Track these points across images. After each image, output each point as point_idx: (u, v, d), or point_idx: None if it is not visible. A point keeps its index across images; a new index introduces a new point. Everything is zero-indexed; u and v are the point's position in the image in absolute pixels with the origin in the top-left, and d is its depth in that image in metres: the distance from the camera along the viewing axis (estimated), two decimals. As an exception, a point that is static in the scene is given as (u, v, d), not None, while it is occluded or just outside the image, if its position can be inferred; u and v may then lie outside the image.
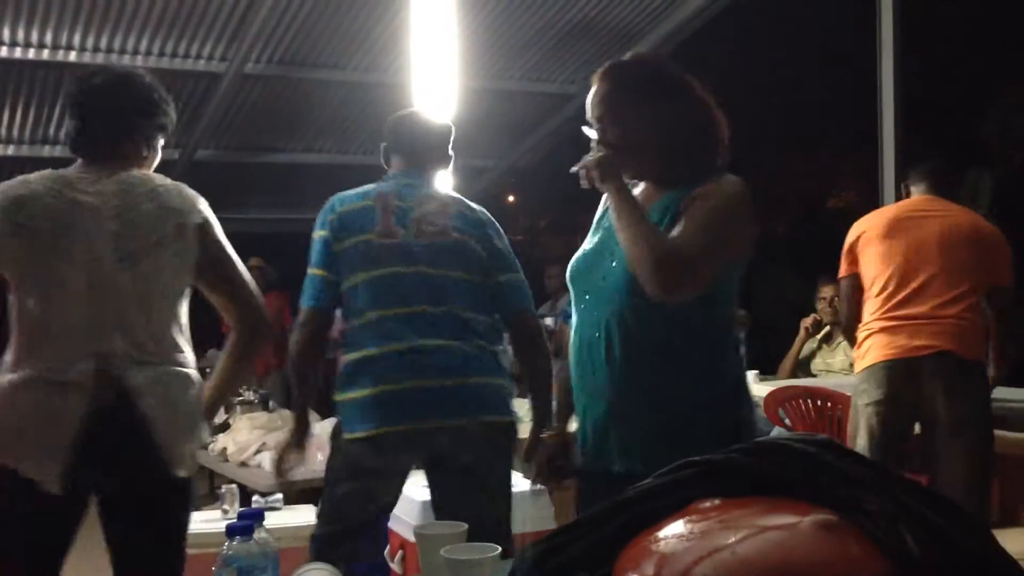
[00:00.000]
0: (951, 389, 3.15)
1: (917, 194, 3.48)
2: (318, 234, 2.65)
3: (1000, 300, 3.31)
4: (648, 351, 1.89)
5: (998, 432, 3.33)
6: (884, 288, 3.28)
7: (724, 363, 1.94)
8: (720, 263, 1.88)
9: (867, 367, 3.29)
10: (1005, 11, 6.56)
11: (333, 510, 2.54)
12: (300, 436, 2.75)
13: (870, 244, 3.37)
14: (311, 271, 2.64)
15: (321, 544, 2.49)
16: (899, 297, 3.24)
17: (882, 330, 3.25)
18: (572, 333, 2.01)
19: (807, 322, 5.20)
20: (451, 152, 2.81)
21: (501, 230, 2.71)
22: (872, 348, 3.27)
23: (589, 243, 2.04)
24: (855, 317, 3.41)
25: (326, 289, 2.61)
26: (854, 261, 3.43)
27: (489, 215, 2.72)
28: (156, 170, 2.38)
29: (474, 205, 2.72)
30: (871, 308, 3.32)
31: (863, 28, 5.13)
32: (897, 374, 3.20)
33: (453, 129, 2.84)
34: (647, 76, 2.00)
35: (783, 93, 7.59)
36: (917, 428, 3.31)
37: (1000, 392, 3.52)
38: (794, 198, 9.36)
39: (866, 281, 3.38)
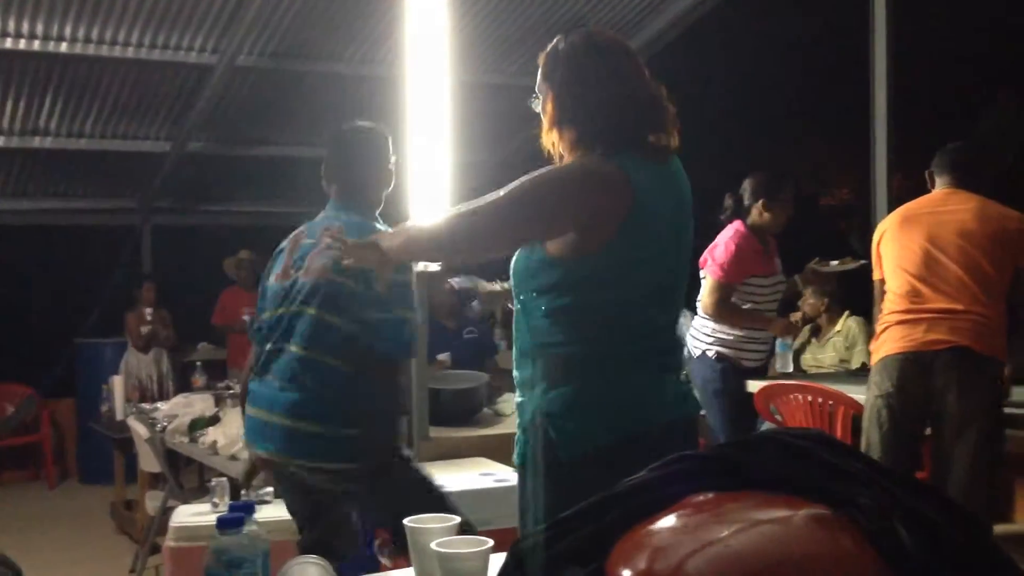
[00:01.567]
0: (963, 385, 3.14)
1: (941, 186, 3.43)
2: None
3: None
4: (523, 346, 1.94)
5: (1018, 432, 3.32)
6: (903, 282, 3.28)
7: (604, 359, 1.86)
8: (516, 230, 1.88)
9: (880, 359, 3.29)
10: (999, 5, 6.58)
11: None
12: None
13: (891, 241, 3.37)
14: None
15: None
16: (917, 291, 3.23)
17: (899, 323, 3.25)
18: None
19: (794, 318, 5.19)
20: (389, 170, 2.80)
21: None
22: (887, 340, 3.27)
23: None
24: None
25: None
26: (879, 262, 3.44)
27: None
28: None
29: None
30: (890, 301, 3.32)
31: (857, 25, 5.14)
32: (909, 367, 3.20)
33: (388, 142, 2.81)
34: (557, 53, 2.00)
35: (777, 89, 7.59)
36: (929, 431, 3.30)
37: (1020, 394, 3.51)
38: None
39: (887, 276, 3.37)
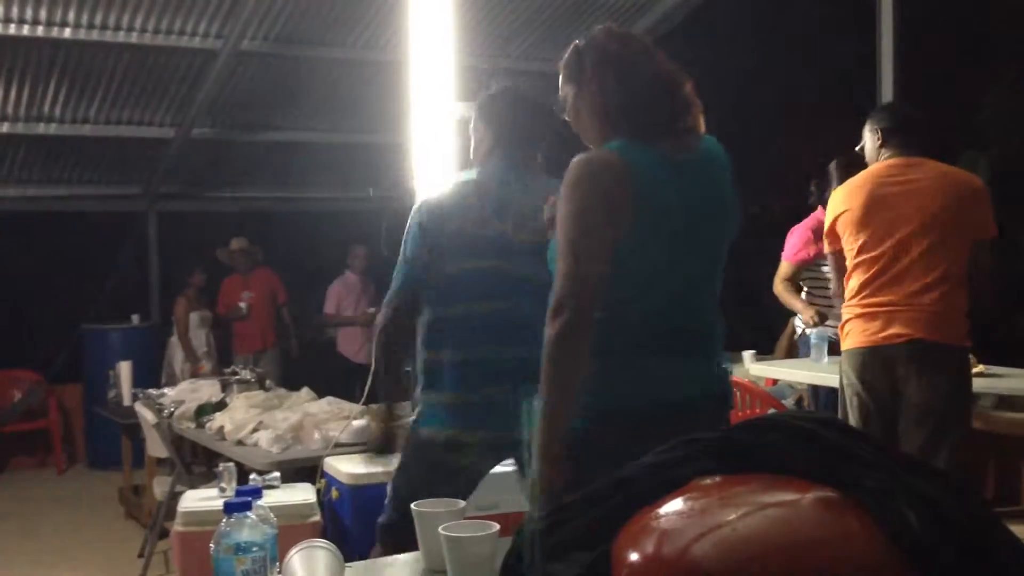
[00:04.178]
0: (925, 376, 3.11)
1: (890, 154, 3.29)
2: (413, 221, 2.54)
3: (983, 254, 3.21)
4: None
5: (999, 413, 3.32)
6: (864, 272, 3.21)
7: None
8: (592, 251, 1.82)
9: (845, 351, 3.28)
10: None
11: (402, 500, 2.41)
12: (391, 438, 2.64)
13: (855, 224, 3.26)
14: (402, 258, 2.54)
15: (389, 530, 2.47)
16: (877, 283, 3.17)
17: (860, 316, 3.20)
18: None
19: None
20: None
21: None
22: (851, 333, 3.25)
23: None
24: (843, 292, 3.37)
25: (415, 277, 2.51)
26: (836, 239, 3.35)
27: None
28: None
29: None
30: (852, 289, 3.26)
31: (864, 8, 5.11)
32: (871, 361, 3.17)
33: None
34: (578, 53, 2.00)
35: (782, 73, 7.56)
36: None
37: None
38: (791, 178, 9.36)
39: (848, 262, 3.31)
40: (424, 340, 2.50)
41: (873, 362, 3.17)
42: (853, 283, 3.26)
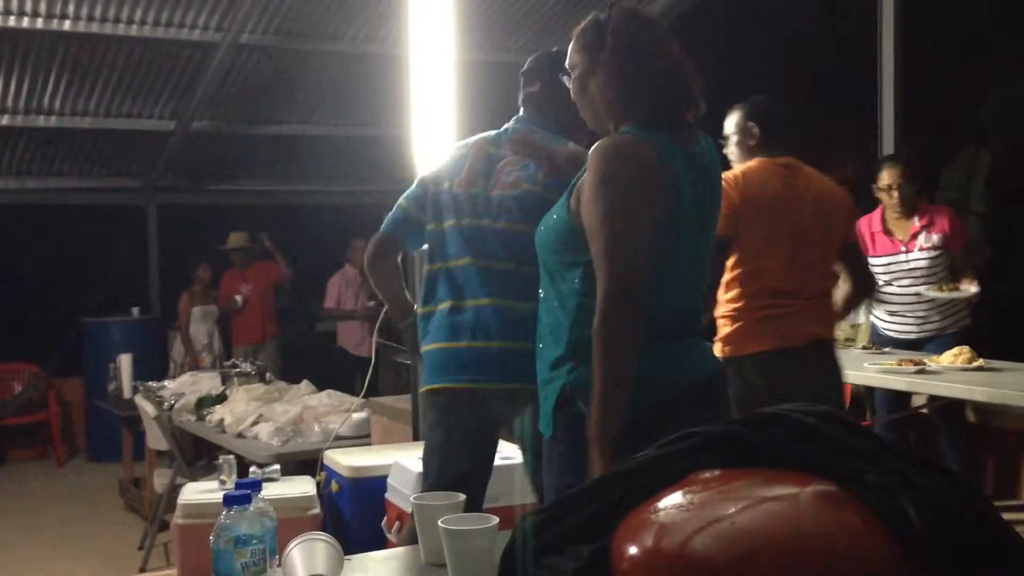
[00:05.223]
0: (824, 375, 3.10)
1: (776, 152, 3.11)
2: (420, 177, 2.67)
3: (855, 252, 3.25)
4: (551, 319, 2.01)
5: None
6: (766, 276, 3.05)
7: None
8: (639, 236, 1.80)
9: (749, 355, 3.07)
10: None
11: (434, 464, 2.49)
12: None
13: (756, 226, 3.06)
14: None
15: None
16: (781, 289, 3.03)
17: (763, 319, 3.05)
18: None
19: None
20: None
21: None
22: (755, 336, 3.06)
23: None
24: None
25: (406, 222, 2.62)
26: (734, 225, 3.05)
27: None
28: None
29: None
30: (754, 294, 3.08)
31: (865, 3, 5.10)
32: (776, 363, 3.03)
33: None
34: (600, 26, 1.96)
35: (783, 65, 7.54)
36: None
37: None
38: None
39: (746, 262, 3.10)
40: (421, 296, 2.58)
41: (779, 365, 3.03)
42: (758, 283, 3.09)
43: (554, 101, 2.49)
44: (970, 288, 4.16)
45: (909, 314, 4.29)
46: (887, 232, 4.31)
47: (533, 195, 2.41)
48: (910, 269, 4.26)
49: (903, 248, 4.26)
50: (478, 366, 2.40)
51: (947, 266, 4.23)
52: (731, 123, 3.21)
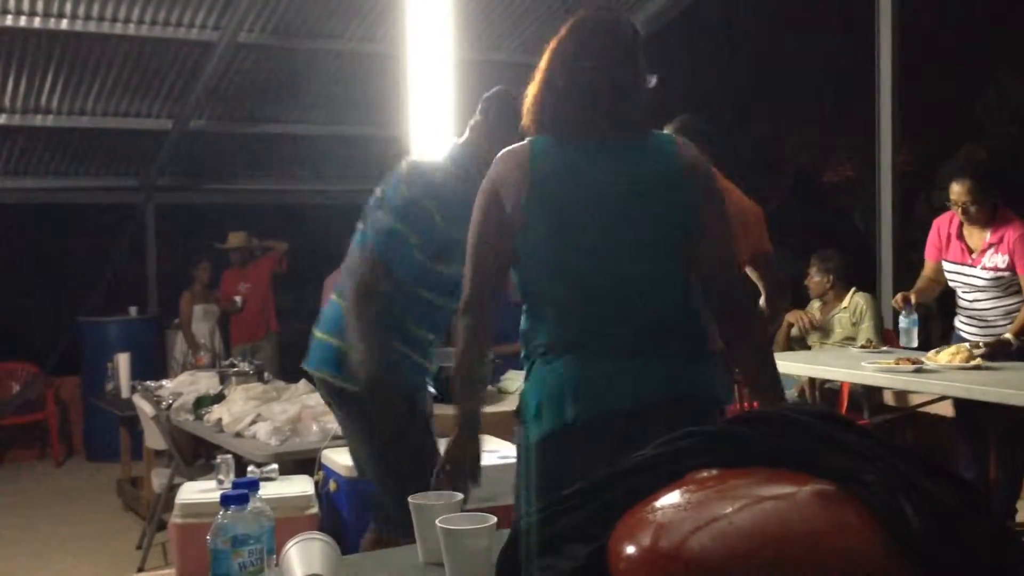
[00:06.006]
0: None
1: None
2: None
3: (763, 264, 3.21)
4: None
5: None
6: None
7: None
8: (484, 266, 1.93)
9: None
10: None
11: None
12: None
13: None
14: None
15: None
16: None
17: None
18: None
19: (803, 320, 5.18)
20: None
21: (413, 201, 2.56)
22: None
23: None
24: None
25: None
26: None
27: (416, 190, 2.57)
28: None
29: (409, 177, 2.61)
30: None
31: (863, 3, 5.10)
32: None
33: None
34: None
35: (780, 65, 7.55)
36: None
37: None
38: (789, 171, 9.34)
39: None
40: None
41: None
42: None
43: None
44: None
45: (977, 318, 4.17)
46: (961, 237, 4.12)
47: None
48: (974, 284, 4.10)
49: (970, 261, 4.09)
50: None
51: (1011, 283, 4.01)
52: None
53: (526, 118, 1.98)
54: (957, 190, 4.00)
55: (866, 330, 4.98)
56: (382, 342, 2.55)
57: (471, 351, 1.95)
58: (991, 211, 4.02)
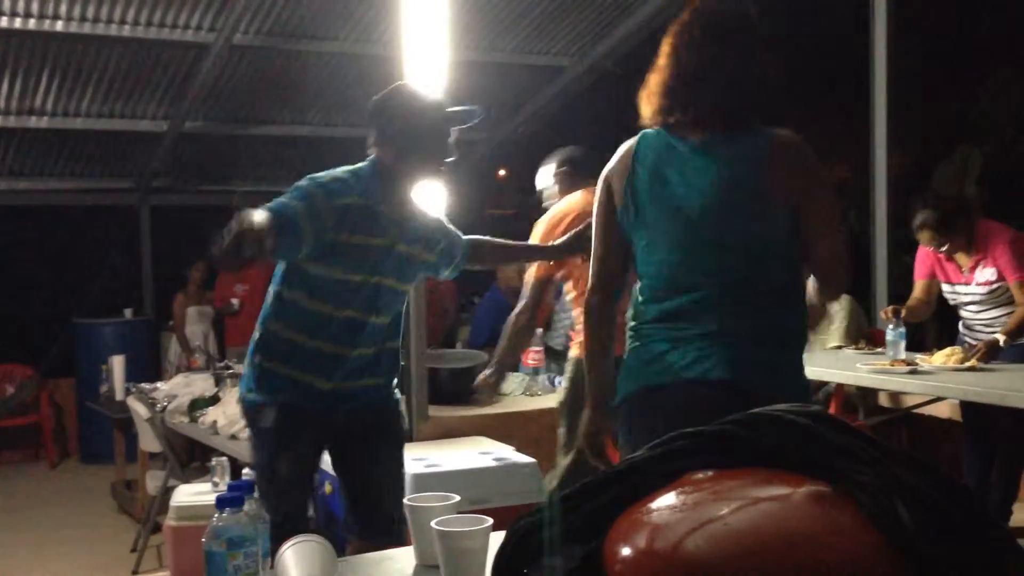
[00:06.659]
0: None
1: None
2: None
3: None
4: None
5: None
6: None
7: None
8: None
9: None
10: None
11: None
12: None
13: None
14: None
15: None
16: None
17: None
18: None
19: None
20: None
21: None
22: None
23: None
24: None
25: None
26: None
27: None
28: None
29: None
30: None
31: (858, 5, 5.11)
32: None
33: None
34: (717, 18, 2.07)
35: (776, 68, 7.58)
36: None
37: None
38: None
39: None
40: None
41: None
42: None
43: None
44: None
45: (980, 327, 4.19)
46: (950, 259, 4.15)
47: None
48: (973, 300, 4.14)
49: (963, 279, 4.13)
50: None
51: (1007, 290, 4.02)
52: (551, 173, 3.68)
53: (646, 108, 2.04)
54: (924, 238, 4.09)
55: (835, 332, 4.93)
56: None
57: (601, 328, 2.12)
58: (967, 235, 4.03)
